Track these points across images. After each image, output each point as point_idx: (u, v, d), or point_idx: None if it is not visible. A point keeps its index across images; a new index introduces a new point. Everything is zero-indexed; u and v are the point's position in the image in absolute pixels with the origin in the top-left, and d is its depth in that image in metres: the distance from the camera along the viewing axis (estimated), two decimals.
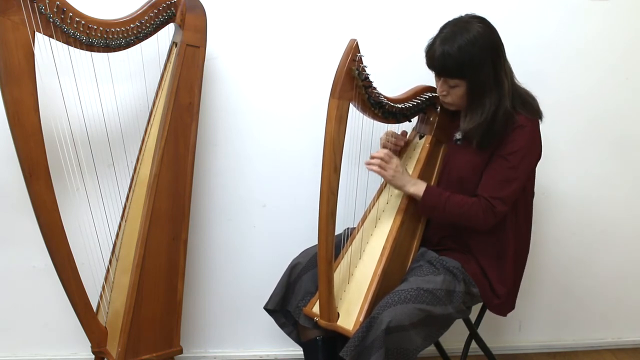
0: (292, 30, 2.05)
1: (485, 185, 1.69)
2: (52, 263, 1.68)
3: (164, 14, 1.78)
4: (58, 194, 1.64)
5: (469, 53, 1.61)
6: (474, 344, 1.89)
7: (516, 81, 1.73)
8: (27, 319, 2.13)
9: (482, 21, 1.66)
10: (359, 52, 1.56)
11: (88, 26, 1.62)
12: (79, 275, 1.71)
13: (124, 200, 1.90)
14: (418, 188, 1.71)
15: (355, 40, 1.56)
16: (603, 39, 2.15)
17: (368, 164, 1.73)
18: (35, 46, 1.55)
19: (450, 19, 1.68)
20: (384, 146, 1.87)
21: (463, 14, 1.69)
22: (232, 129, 2.10)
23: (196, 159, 1.87)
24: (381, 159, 1.71)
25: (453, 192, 1.70)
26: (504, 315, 1.81)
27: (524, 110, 1.69)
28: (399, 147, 1.88)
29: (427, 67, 1.70)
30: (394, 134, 1.88)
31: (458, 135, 1.80)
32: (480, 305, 1.86)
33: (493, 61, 1.64)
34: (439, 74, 1.70)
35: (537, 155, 1.73)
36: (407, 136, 1.92)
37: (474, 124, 1.68)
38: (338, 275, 1.74)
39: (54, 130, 1.75)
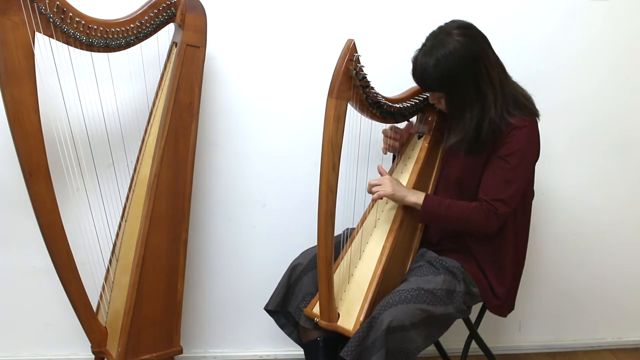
0: (292, 31, 2.05)
1: (486, 188, 1.68)
2: (52, 263, 1.68)
3: (164, 14, 1.78)
4: (58, 194, 1.64)
5: (445, 68, 1.59)
6: (474, 344, 1.89)
7: (510, 81, 1.71)
8: (27, 319, 2.13)
9: (463, 32, 1.61)
10: (357, 52, 1.56)
11: (88, 26, 1.62)
12: (79, 275, 1.71)
13: (124, 200, 1.90)
14: (418, 197, 1.70)
15: (353, 40, 1.55)
16: (603, 39, 2.15)
17: (373, 199, 1.74)
18: (35, 46, 1.55)
19: (447, 20, 1.67)
20: (385, 135, 1.88)
21: (448, 21, 1.66)
22: (232, 129, 2.10)
23: (196, 159, 1.88)
24: (374, 185, 1.72)
25: (453, 199, 1.70)
26: (504, 316, 1.81)
27: (518, 112, 1.67)
28: (397, 141, 1.89)
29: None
30: (392, 127, 1.88)
31: None
32: (480, 305, 1.85)
33: (473, 73, 1.61)
34: (420, 87, 1.71)
35: (535, 154, 1.72)
36: (411, 130, 1.91)
37: (457, 139, 1.68)
38: (338, 275, 1.74)
39: (54, 130, 1.75)
